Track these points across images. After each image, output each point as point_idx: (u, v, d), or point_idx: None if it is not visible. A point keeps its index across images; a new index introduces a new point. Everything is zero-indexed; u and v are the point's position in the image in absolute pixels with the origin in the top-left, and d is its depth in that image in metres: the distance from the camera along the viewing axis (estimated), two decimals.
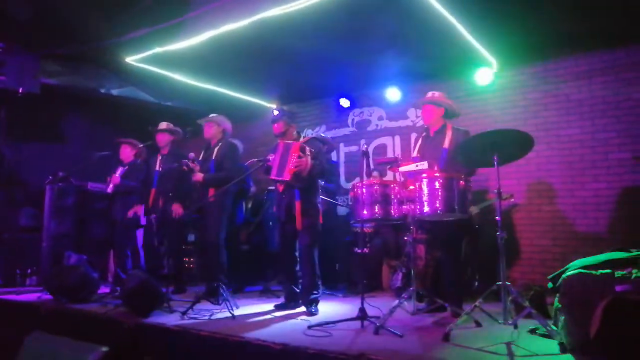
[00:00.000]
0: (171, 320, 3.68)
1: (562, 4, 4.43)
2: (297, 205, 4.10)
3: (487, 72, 5.64)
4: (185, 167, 4.79)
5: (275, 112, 4.50)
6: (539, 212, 5.37)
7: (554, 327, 2.86)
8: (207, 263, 5.03)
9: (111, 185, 5.54)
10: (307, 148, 4.11)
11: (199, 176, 4.76)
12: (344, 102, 6.81)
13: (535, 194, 5.43)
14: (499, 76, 5.71)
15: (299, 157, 4.03)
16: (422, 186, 3.45)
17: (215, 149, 4.94)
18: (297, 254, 4.27)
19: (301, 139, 4.33)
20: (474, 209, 5.00)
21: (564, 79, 5.39)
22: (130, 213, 5.49)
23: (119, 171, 5.62)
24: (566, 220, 5.22)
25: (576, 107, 5.32)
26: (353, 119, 6.96)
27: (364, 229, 5.34)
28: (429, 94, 4.11)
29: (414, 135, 5.96)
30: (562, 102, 5.40)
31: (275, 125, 4.38)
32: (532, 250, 5.35)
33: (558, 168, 5.34)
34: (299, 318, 3.81)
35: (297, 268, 4.27)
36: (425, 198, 3.43)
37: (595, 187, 5.14)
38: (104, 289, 5.16)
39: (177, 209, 5.15)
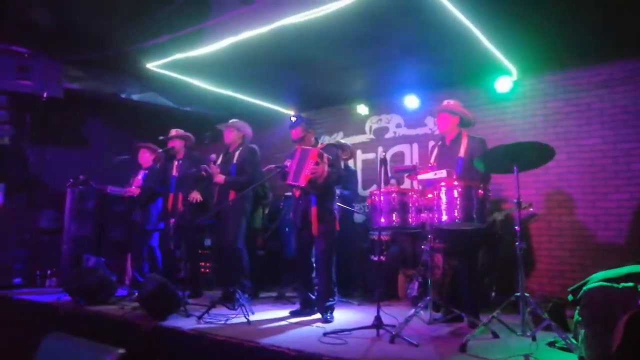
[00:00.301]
0: (187, 324, 3.70)
1: (582, 14, 4.38)
2: (314, 211, 4.10)
3: (506, 81, 5.59)
4: (204, 173, 4.83)
5: (293, 119, 4.53)
6: (559, 223, 5.29)
7: (574, 341, 2.80)
8: (224, 267, 5.06)
9: (133, 188, 5.65)
10: (325, 155, 4.10)
11: (220, 178, 4.79)
12: (362, 109, 6.80)
13: (555, 204, 5.35)
14: (519, 84, 5.66)
15: (316, 163, 4.02)
16: (441, 195, 3.42)
17: (236, 154, 4.98)
18: (313, 260, 4.27)
19: (319, 145, 4.34)
20: (498, 215, 4.95)
21: (584, 87, 5.32)
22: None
23: (140, 174, 5.70)
24: (587, 231, 5.13)
25: (597, 116, 5.24)
26: (371, 126, 6.95)
27: (381, 236, 5.33)
28: (444, 103, 4.09)
29: (431, 143, 5.93)
30: (583, 112, 5.32)
31: (294, 131, 4.40)
32: (551, 262, 5.27)
33: (579, 178, 5.25)
34: (314, 325, 3.80)
35: (313, 275, 4.27)
36: (443, 207, 3.41)
37: (618, 198, 5.04)
38: (121, 292, 5.22)
39: (195, 196, 5.15)
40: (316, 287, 4.24)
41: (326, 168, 4.04)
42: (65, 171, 6.44)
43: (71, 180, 6.26)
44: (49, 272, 6.24)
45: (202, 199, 5.17)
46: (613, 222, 5.01)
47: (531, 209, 5.09)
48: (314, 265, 4.25)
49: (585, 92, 5.32)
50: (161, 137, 5.70)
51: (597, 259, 4.93)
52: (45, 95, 5.81)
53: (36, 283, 6.13)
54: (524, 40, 4.89)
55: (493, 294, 4.82)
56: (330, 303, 4.10)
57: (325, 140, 6.89)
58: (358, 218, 6.27)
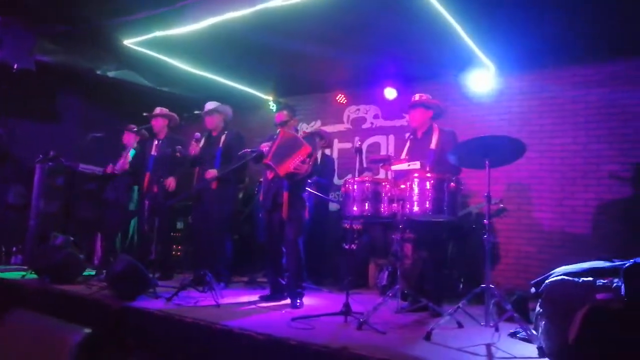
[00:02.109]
0: (156, 305, 3.68)
1: (562, 15, 4.45)
2: (285, 195, 4.10)
3: (484, 77, 5.65)
4: (178, 154, 4.78)
5: (272, 106, 4.51)
6: (528, 219, 5.43)
7: (534, 332, 2.90)
8: (199, 251, 5.03)
9: (122, 162, 5.59)
10: (314, 156, 4.10)
11: (212, 173, 4.74)
12: (341, 99, 6.79)
13: (525, 201, 5.48)
14: (496, 81, 5.73)
15: (302, 162, 3.99)
16: (413, 186, 3.47)
17: (222, 137, 4.94)
18: (283, 245, 4.26)
19: (300, 133, 4.32)
20: (474, 209, 5.04)
21: (560, 87, 5.43)
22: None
23: (129, 151, 5.63)
24: (554, 228, 5.28)
25: (571, 116, 5.36)
26: (349, 116, 6.97)
27: (353, 225, 5.37)
28: (416, 97, 4.12)
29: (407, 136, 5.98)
30: (558, 111, 5.44)
31: (278, 114, 4.41)
32: (518, 256, 5.41)
33: (549, 176, 5.38)
34: (283, 310, 3.83)
35: (284, 260, 4.28)
36: (415, 198, 3.45)
37: (585, 197, 5.19)
38: (89, 272, 5.14)
39: (170, 183, 5.15)
40: (286, 273, 4.25)
41: (309, 168, 4.04)
42: (35, 146, 6.27)
43: (41, 156, 6.11)
44: (14, 249, 6.09)
45: (175, 186, 5.14)
46: (579, 220, 5.17)
47: (501, 205, 5.19)
48: (284, 250, 4.25)
49: (560, 92, 5.44)
50: (145, 114, 5.61)
51: (563, 256, 5.06)
52: (15, 66, 5.62)
53: (1, 260, 5.98)
54: (504, 37, 4.95)
55: (461, 285, 4.92)
56: (299, 289, 4.13)
57: (303, 127, 6.88)
58: (332, 207, 6.30)
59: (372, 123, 6.76)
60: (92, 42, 6.01)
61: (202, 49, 5.62)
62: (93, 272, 5.14)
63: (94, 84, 6.89)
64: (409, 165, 3.60)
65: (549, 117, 5.46)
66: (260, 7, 4.48)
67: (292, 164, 3.95)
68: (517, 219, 5.44)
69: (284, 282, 4.26)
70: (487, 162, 3.22)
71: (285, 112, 4.39)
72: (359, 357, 2.54)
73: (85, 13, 5.18)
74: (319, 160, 4.33)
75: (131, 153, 5.67)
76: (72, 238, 4.98)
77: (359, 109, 6.89)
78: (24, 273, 4.86)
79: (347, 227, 5.24)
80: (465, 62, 5.50)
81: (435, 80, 5.99)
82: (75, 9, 5.12)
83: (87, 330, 3.57)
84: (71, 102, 7.34)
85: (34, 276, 4.70)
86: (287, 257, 4.20)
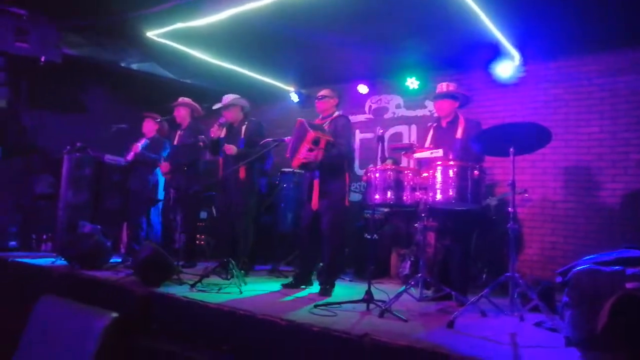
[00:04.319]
0: (180, 291, 3.74)
1: (588, 1, 4.34)
2: (315, 185, 4.10)
3: (508, 65, 5.56)
4: (201, 143, 4.83)
5: (295, 97, 4.48)
6: (553, 209, 5.33)
7: (561, 322, 2.85)
8: (222, 239, 5.10)
9: (132, 153, 5.65)
10: (323, 139, 3.95)
11: (232, 148, 4.77)
12: (362, 89, 6.78)
13: (550, 191, 5.39)
14: (522, 70, 5.63)
15: (309, 149, 3.92)
16: (436, 174, 3.44)
17: (243, 128, 4.98)
18: (315, 234, 4.22)
19: (335, 114, 4.30)
20: (492, 200, 4.99)
21: (586, 75, 5.30)
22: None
23: (142, 142, 5.70)
24: (580, 218, 5.18)
25: (597, 105, 5.24)
26: (370, 106, 6.93)
27: (375, 215, 5.36)
28: (443, 87, 4.06)
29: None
30: (584, 100, 5.31)
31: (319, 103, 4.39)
32: (544, 247, 5.33)
33: (575, 166, 5.28)
34: (306, 297, 3.85)
35: (313, 249, 4.29)
36: (438, 186, 3.42)
37: (613, 187, 5.07)
38: (116, 259, 5.25)
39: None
40: (320, 264, 4.26)
41: (321, 154, 3.94)
42: (63, 137, 6.40)
43: (68, 147, 6.24)
44: (44, 237, 6.26)
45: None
46: (606, 210, 5.06)
47: (526, 194, 5.12)
48: (322, 239, 4.20)
49: (587, 80, 5.31)
50: (170, 104, 5.69)
51: (589, 246, 4.98)
52: (43, 59, 5.73)
53: (31, 247, 6.16)
54: (529, 25, 4.85)
55: (484, 276, 4.88)
56: (333, 278, 4.13)
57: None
58: (354, 197, 6.29)
59: (394, 113, 6.71)
60: (116, 34, 6.10)
61: (224, 40, 5.66)
62: (119, 260, 5.25)
63: (118, 76, 6.98)
64: (431, 153, 3.56)
65: (575, 105, 5.34)
66: None
67: (301, 154, 3.94)
68: (541, 209, 5.36)
69: (309, 272, 4.29)
70: (511, 150, 3.17)
71: (327, 90, 4.37)
72: (381, 344, 2.55)
73: (108, 5, 5.25)
74: (350, 145, 4.25)
75: (143, 144, 5.73)
76: (99, 227, 5.10)
77: (380, 99, 6.85)
78: (53, 260, 5.00)
79: (369, 216, 5.29)
80: (490, 51, 5.41)
81: (459, 69, 5.92)
82: (99, 2, 5.19)
83: (114, 315, 3.69)
84: (96, 94, 7.48)
85: (64, 263, 4.83)
86: (322, 245, 4.18)
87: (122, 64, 6.58)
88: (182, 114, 5.60)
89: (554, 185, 5.37)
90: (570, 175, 5.29)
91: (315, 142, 3.91)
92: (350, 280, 5.04)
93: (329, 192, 4.09)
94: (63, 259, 4.87)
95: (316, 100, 4.41)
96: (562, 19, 4.70)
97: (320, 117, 4.41)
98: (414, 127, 6.48)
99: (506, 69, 5.58)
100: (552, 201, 5.36)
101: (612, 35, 4.98)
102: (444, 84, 4.06)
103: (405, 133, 6.54)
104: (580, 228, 5.15)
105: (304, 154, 3.93)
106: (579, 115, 5.31)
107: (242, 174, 4.74)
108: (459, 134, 3.85)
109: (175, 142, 5.60)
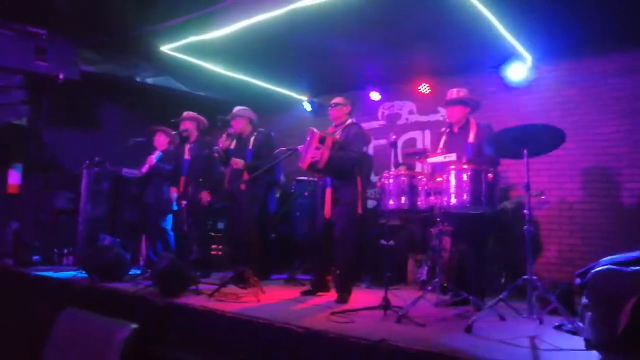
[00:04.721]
0: (198, 301, 3.78)
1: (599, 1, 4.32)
2: (328, 192, 4.13)
3: (521, 68, 5.54)
4: (216, 154, 4.89)
5: (307, 106, 4.50)
6: (570, 211, 5.28)
7: (580, 324, 2.82)
8: (236, 249, 5.14)
9: (147, 166, 5.74)
10: (329, 139, 4.03)
11: (239, 162, 4.81)
12: (375, 96, 6.80)
13: (567, 192, 5.33)
14: (534, 72, 5.60)
15: (316, 148, 3.99)
16: (450, 178, 3.43)
17: (251, 139, 5.04)
18: (329, 242, 4.24)
19: (347, 122, 4.34)
20: (509, 203, 4.95)
21: (600, 75, 5.26)
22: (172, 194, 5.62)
23: (155, 154, 5.80)
24: (598, 219, 5.11)
25: (614, 104, 5.18)
26: (383, 112, 6.95)
27: (391, 221, 5.36)
28: (454, 93, 4.07)
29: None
30: (599, 100, 5.27)
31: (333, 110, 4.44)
32: (561, 249, 5.26)
33: (592, 167, 5.22)
34: (323, 305, 3.85)
35: (327, 256, 4.30)
36: (452, 190, 3.42)
37: (631, 187, 5.00)
38: (135, 271, 5.32)
39: (205, 197, 5.29)
40: (334, 269, 4.27)
41: (327, 153, 3.98)
42: (81, 153, 6.54)
43: (87, 162, 6.37)
44: (65, 251, 6.37)
45: (210, 200, 5.35)
46: (625, 210, 4.98)
47: (542, 197, 5.06)
48: (334, 247, 4.23)
49: (601, 80, 5.26)
50: (173, 120, 5.77)
51: (608, 248, 4.88)
52: (61, 76, 5.88)
53: (53, 261, 6.26)
54: (541, 26, 4.84)
55: (503, 280, 4.83)
56: (348, 285, 4.13)
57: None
58: (370, 204, 6.28)
59: (407, 119, 6.72)
60: (130, 50, 6.26)
61: (236, 51, 5.75)
62: (139, 272, 5.32)
63: (134, 90, 7.12)
64: (445, 157, 3.56)
65: (589, 106, 5.30)
66: (290, 7, 4.54)
67: (309, 154, 3.99)
68: (559, 212, 5.31)
69: (326, 279, 4.30)
70: (525, 152, 3.15)
71: (340, 98, 4.41)
72: (398, 349, 2.54)
73: (123, 22, 5.38)
74: (360, 152, 4.27)
75: (157, 156, 5.83)
76: (118, 240, 5.18)
77: (393, 105, 6.87)
78: (74, 273, 5.09)
79: (385, 223, 5.29)
80: (501, 53, 5.41)
81: (471, 73, 5.91)
82: (114, 19, 5.33)
83: (134, 326, 3.74)
84: (113, 109, 7.63)
85: (85, 276, 4.91)
86: (337, 253, 4.20)
87: (137, 79, 6.73)
88: (189, 128, 5.68)
89: (571, 186, 5.31)
90: (587, 177, 5.23)
91: (322, 140, 4.00)
92: (367, 287, 5.03)
93: (342, 200, 4.12)
94: (83, 271, 4.95)
95: (330, 108, 4.45)
96: (573, 20, 4.68)
97: (333, 125, 4.45)
98: (427, 132, 6.48)
99: (518, 71, 5.55)
100: (569, 203, 5.30)
101: (625, 35, 4.93)
102: (455, 90, 4.07)
103: (419, 138, 6.54)
104: (599, 229, 5.08)
105: (311, 153, 4.00)
106: (594, 115, 5.27)
107: (243, 186, 4.77)
108: (471, 138, 3.86)
109: (185, 156, 5.66)
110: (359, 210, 4.18)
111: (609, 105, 5.19)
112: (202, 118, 5.75)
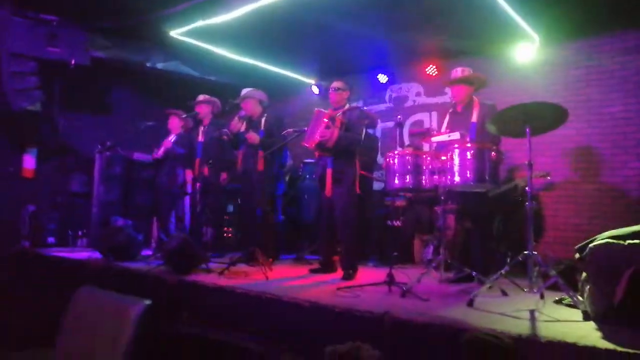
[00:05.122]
0: (208, 278, 3.90)
1: None
2: (328, 172, 4.22)
3: (528, 48, 5.52)
4: (225, 137, 4.98)
5: (315, 90, 4.50)
6: (577, 190, 5.30)
7: (580, 298, 2.88)
8: (246, 228, 5.24)
9: (162, 149, 5.87)
10: (338, 118, 4.14)
11: (255, 137, 4.89)
12: (382, 78, 6.82)
13: (573, 172, 5.35)
14: (541, 52, 5.58)
15: (327, 127, 4.09)
16: (454, 156, 3.48)
17: (262, 120, 5.10)
18: (331, 220, 4.34)
19: (345, 107, 4.39)
20: (520, 182, 4.97)
21: (608, 54, 5.24)
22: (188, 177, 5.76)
23: (171, 138, 5.92)
24: (605, 199, 5.13)
25: (621, 83, 5.17)
26: (390, 95, 6.98)
27: (397, 202, 5.43)
28: (458, 72, 4.10)
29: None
30: (606, 79, 5.25)
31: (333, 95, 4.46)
32: (567, 229, 5.29)
33: (600, 146, 5.23)
34: (329, 281, 3.95)
35: (331, 236, 4.39)
36: (456, 168, 3.47)
37: (639, 167, 5.00)
38: (146, 252, 5.46)
39: (223, 177, 5.51)
40: (339, 248, 4.37)
41: (336, 132, 4.09)
42: (94, 137, 6.68)
43: (99, 146, 6.51)
44: (80, 233, 6.55)
45: (227, 180, 5.51)
46: (633, 189, 5.00)
47: (549, 177, 5.08)
48: (336, 226, 4.33)
49: (608, 59, 5.24)
50: (189, 102, 5.86)
51: (614, 227, 4.90)
52: (73, 62, 5.99)
53: (68, 243, 6.45)
54: (548, 5, 4.81)
55: (509, 259, 4.87)
56: (354, 262, 4.23)
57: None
58: (377, 185, 6.35)
59: (414, 101, 6.74)
60: (140, 35, 6.32)
61: (244, 35, 5.79)
62: (150, 253, 5.46)
63: (144, 76, 7.21)
64: (449, 136, 3.61)
65: (597, 85, 5.28)
66: None
67: (317, 133, 4.07)
68: (564, 191, 5.33)
69: (333, 258, 4.40)
70: (527, 130, 3.18)
71: (340, 82, 4.44)
72: (400, 320, 2.63)
73: (132, 7, 5.45)
74: (362, 135, 4.34)
75: (173, 139, 5.94)
76: (130, 222, 5.32)
77: (400, 87, 6.89)
78: (89, 254, 5.24)
79: (391, 204, 5.37)
80: (509, 34, 5.39)
81: (479, 54, 5.90)
82: (123, 4, 5.40)
83: (147, 302, 3.87)
84: (123, 94, 7.75)
85: (99, 256, 5.06)
86: (339, 230, 4.30)
87: (148, 64, 6.80)
88: (203, 111, 5.76)
89: (578, 166, 5.33)
90: (594, 156, 5.24)
91: (332, 119, 4.10)
92: (374, 266, 5.13)
93: (342, 180, 4.22)
94: (98, 252, 5.10)
95: (330, 92, 4.49)
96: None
97: (332, 108, 4.50)
98: (434, 114, 6.50)
99: (525, 52, 5.54)
100: (575, 182, 5.32)
101: (633, 13, 4.89)
102: (459, 69, 4.10)
103: (426, 120, 6.57)
104: (606, 209, 5.10)
105: (321, 132, 4.09)
106: (602, 94, 5.26)
107: (260, 165, 4.85)
108: (474, 117, 3.90)
109: (199, 139, 5.75)
110: (357, 190, 4.28)
111: (616, 85, 5.18)
112: (216, 100, 5.82)
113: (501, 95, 5.63)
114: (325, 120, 4.10)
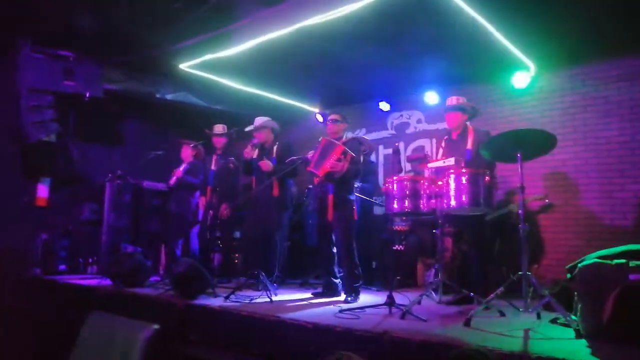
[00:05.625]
0: (215, 302, 4.01)
1: (600, 7, 4.47)
2: (330, 198, 4.38)
3: (524, 75, 5.69)
4: (231, 165, 5.15)
5: (319, 118, 4.65)
6: (575, 214, 5.38)
7: (574, 317, 2.96)
8: (255, 254, 5.35)
9: (174, 178, 6.06)
10: (349, 153, 4.35)
11: (268, 165, 5.03)
12: (384, 106, 7.01)
13: (571, 195, 5.44)
14: (537, 79, 5.76)
15: (338, 160, 4.29)
16: (450, 181, 3.63)
17: (274, 148, 5.27)
18: (333, 247, 4.51)
19: (343, 139, 4.59)
20: (514, 207, 5.09)
21: (603, 80, 5.39)
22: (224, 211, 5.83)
23: (182, 167, 6.11)
24: (603, 221, 5.21)
25: (616, 109, 5.31)
26: (392, 122, 7.16)
27: (400, 227, 5.55)
28: (453, 100, 4.30)
29: None
30: (601, 105, 5.39)
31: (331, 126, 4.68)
32: (568, 251, 5.35)
33: (596, 170, 5.33)
34: (332, 304, 4.06)
35: (335, 260, 4.52)
36: (452, 192, 3.62)
37: (635, 189, 5.10)
38: (155, 278, 5.59)
39: (223, 211, 5.60)
40: (340, 274, 4.50)
41: (346, 165, 4.30)
42: (105, 166, 6.90)
43: (110, 175, 6.72)
44: (90, 260, 6.70)
45: (229, 214, 5.61)
46: (630, 212, 5.08)
47: (547, 200, 5.21)
48: (336, 251, 4.49)
49: (603, 85, 5.39)
50: (207, 131, 6.03)
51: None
52: (87, 95, 6.26)
53: (79, 270, 6.60)
54: (541, 35, 4.99)
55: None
56: (355, 285, 4.35)
57: (348, 136, 7.14)
58: (378, 211, 6.48)
59: (415, 127, 6.92)
60: (151, 68, 6.60)
61: (250, 67, 6.03)
62: (159, 279, 5.59)
63: (154, 106, 7.47)
64: (444, 162, 3.77)
65: (593, 110, 5.42)
66: (298, 25, 4.81)
67: (328, 163, 4.27)
68: (564, 214, 5.42)
69: (335, 281, 4.51)
70: (519, 155, 3.33)
71: (338, 115, 4.68)
72: (399, 339, 2.74)
73: (144, 42, 5.72)
74: (361, 161, 4.52)
75: (184, 169, 6.14)
76: (139, 249, 5.48)
77: (402, 115, 7.08)
78: (99, 280, 5.37)
79: (394, 229, 5.49)
80: (504, 62, 5.57)
81: (477, 82, 6.09)
82: (136, 40, 5.67)
83: (156, 327, 4.00)
84: (134, 124, 8.00)
85: (108, 282, 5.20)
86: (338, 256, 4.45)
87: (157, 95, 7.06)
88: (220, 142, 5.96)
89: (576, 189, 5.43)
90: (591, 179, 5.35)
91: (344, 153, 4.32)
92: (377, 290, 5.21)
93: (342, 206, 4.39)
94: (107, 278, 5.24)
95: (328, 123, 4.70)
96: (573, 28, 4.82)
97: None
98: (435, 140, 6.66)
99: (522, 79, 5.70)
100: (574, 205, 5.41)
101: (626, 40, 5.07)
102: (454, 98, 4.29)
103: (428, 146, 6.72)
104: (605, 230, 5.18)
105: (331, 163, 4.29)
106: (598, 119, 5.38)
107: (275, 190, 5.01)
108: (469, 144, 4.07)
109: (212, 167, 5.92)
110: (355, 217, 4.48)
111: (611, 110, 5.30)
112: (232, 131, 5.99)
113: (499, 120, 5.82)
114: (339, 153, 4.30)
